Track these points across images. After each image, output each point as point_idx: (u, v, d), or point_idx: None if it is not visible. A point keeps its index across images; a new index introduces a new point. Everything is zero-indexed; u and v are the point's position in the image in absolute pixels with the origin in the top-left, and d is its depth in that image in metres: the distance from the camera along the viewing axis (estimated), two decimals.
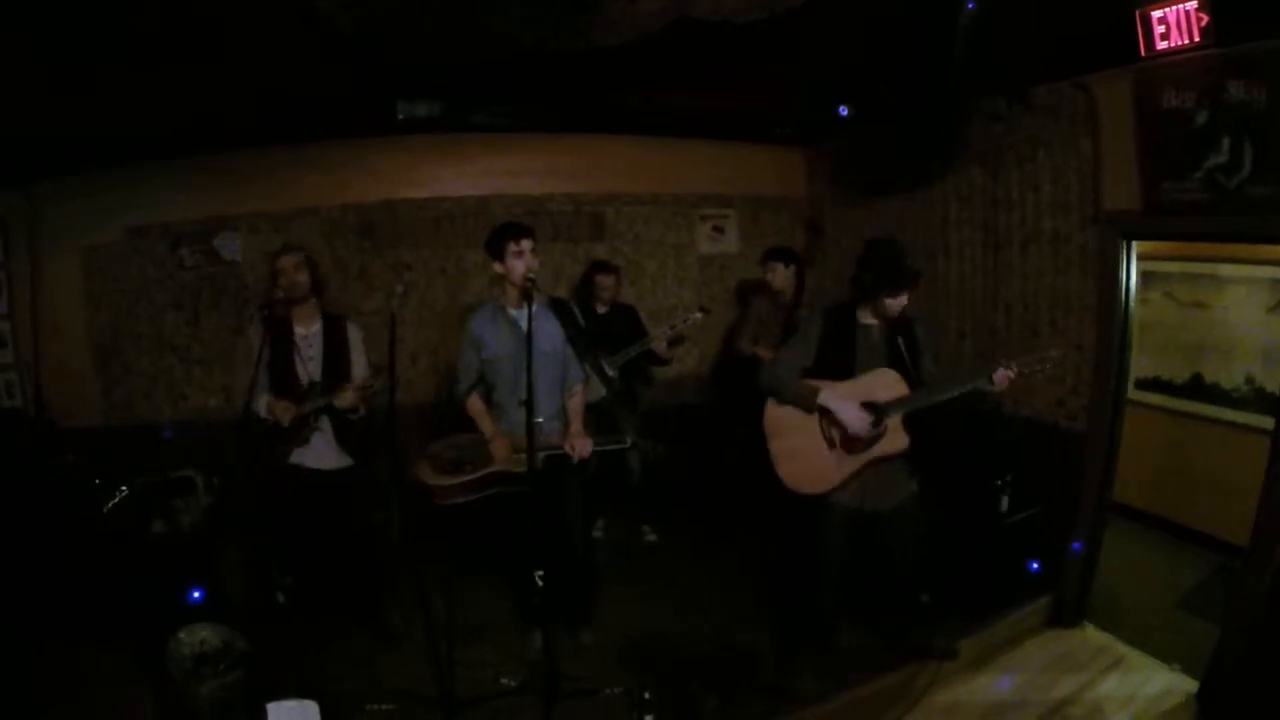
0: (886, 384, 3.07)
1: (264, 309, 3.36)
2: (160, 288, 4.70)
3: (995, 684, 3.44)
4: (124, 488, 4.00)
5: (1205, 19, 2.92)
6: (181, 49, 3.09)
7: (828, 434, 3.15)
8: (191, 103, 3.75)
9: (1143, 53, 3.16)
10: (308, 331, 3.46)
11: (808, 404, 3.12)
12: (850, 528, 3.20)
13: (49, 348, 4.53)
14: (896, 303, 3.07)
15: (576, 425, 3.36)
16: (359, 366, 3.50)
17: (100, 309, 4.63)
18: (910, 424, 3.09)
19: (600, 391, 4.07)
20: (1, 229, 4.39)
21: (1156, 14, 3.06)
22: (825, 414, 3.12)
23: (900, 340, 3.11)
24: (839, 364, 3.13)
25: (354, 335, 3.55)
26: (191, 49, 3.11)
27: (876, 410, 3.05)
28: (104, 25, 2.79)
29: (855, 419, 3.03)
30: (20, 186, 4.39)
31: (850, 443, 3.11)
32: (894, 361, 3.10)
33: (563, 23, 3.17)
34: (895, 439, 3.07)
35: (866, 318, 3.16)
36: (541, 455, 3.07)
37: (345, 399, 3.33)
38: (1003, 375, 2.94)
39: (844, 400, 3.06)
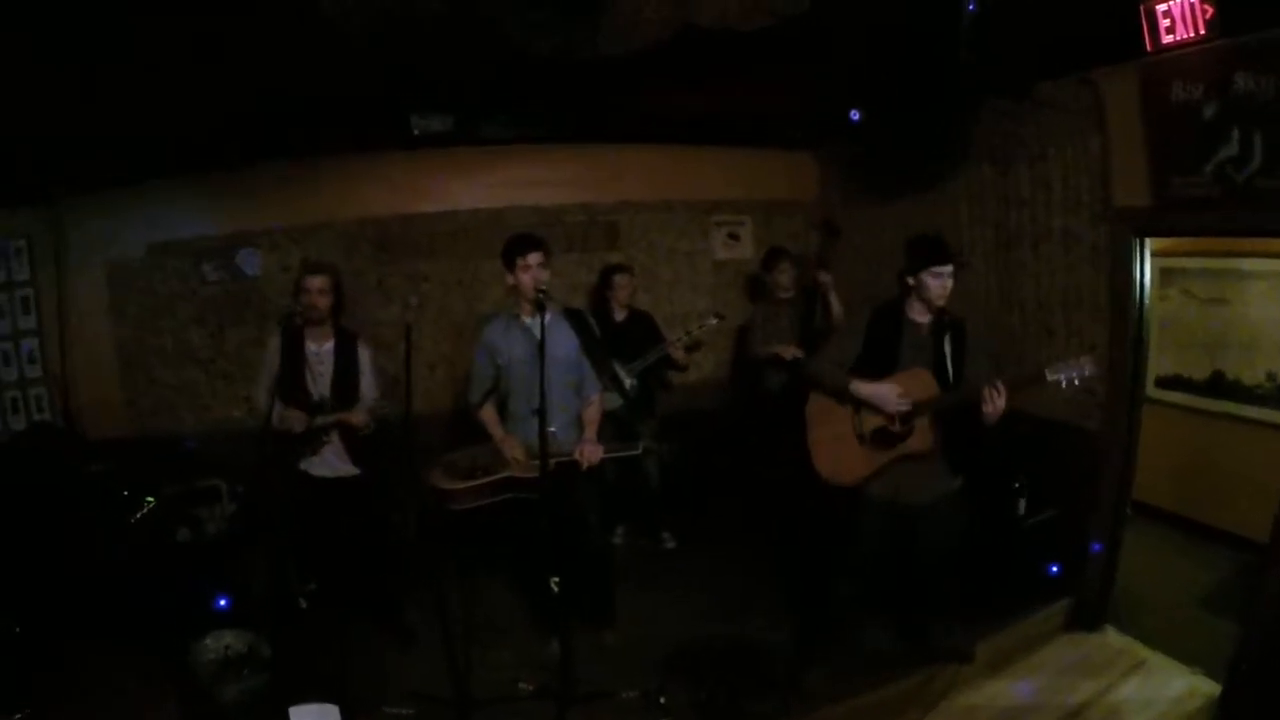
0: (918, 383, 3.06)
1: (282, 322, 3.44)
2: (183, 302, 4.81)
3: (1013, 687, 3.41)
4: (151, 498, 4.09)
5: (1210, 11, 2.90)
6: (195, 63, 3.18)
7: (859, 429, 3.18)
8: (205, 118, 3.85)
9: (1149, 47, 3.14)
10: (320, 348, 3.52)
11: (840, 391, 3.16)
12: (884, 520, 3.22)
13: (76, 361, 4.64)
14: (939, 283, 3.03)
15: (589, 433, 3.37)
16: (367, 385, 3.58)
17: (125, 323, 4.75)
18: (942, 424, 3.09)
19: (619, 400, 4.11)
20: (28, 246, 4.51)
21: (1161, 7, 3.05)
22: (857, 405, 3.16)
23: (947, 339, 3.10)
24: (884, 359, 3.13)
25: (364, 355, 3.62)
26: (205, 64, 3.20)
27: (904, 409, 3.06)
28: (118, 44, 2.89)
29: (888, 397, 3.05)
30: (46, 205, 4.51)
31: (879, 438, 3.13)
32: (938, 360, 3.08)
33: (569, 32, 3.23)
34: (922, 438, 3.07)
35: (915, 314, 3.15)
36: (553, 462, 3.08)
37: (357, 418, 3.43)
38: (992, 397, 2.84)
39: (876, 385, 3.09)
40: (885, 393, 3.06)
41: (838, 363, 3.22)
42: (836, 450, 3.24)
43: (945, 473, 3.20)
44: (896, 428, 3.08)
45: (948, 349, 3.08)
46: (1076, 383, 2.81)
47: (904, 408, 3.04)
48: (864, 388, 3.10)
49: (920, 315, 3.14)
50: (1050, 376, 2.83)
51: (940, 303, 3.08)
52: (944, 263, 3.03)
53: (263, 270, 4.88)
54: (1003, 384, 2.85)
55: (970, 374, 3.06)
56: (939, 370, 3.07)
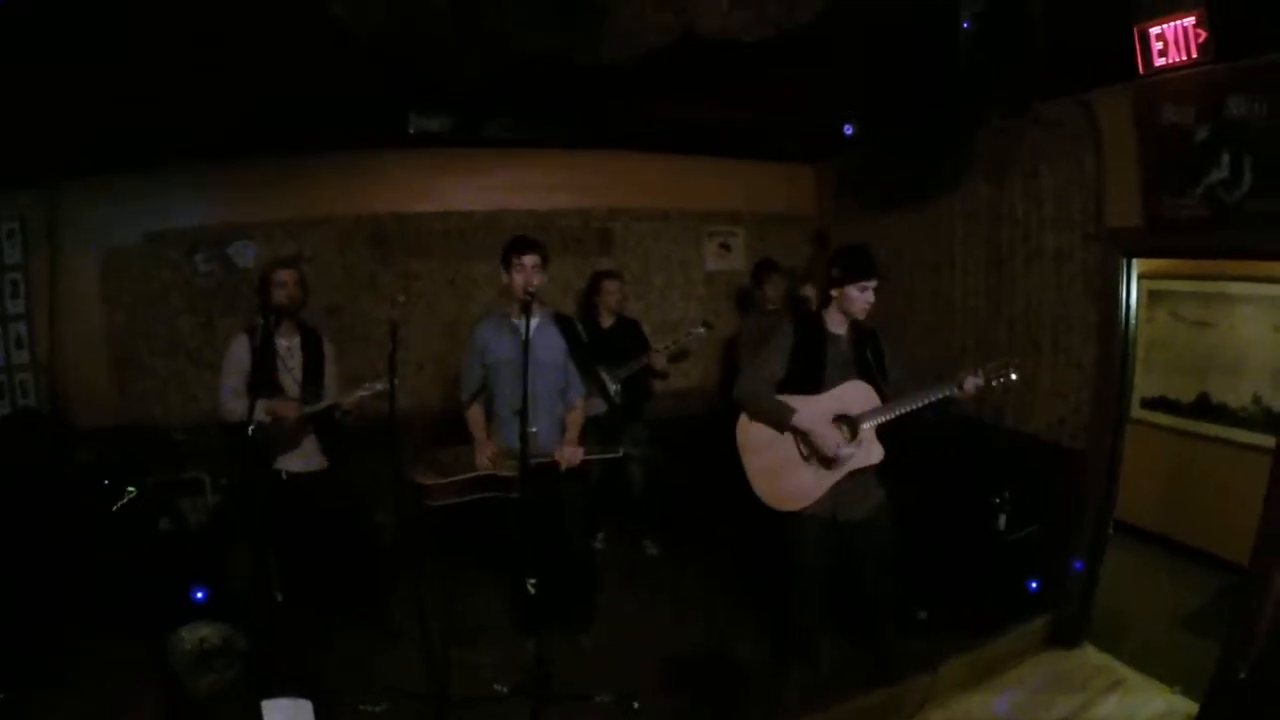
0: (859, 396, 3.03)
1: (267, 317, 3.45)
2: (175, 292, 4.80)
3: (991, 702, 3.40)
4: (133, 488, 4.08)
5: (1203, 35, 2.92)
6: (197, 56, 3.19)
7: (803, 450, 3.08)
8: (206, 111, 3.85)
9: (1141, 70, 3.16)
10: (290, 343, 3.56)
11: (781, 425, 3.07)
12: (824, 538, 3.13)
13: (65, 348, 4.63)
14: (864, 297, 3.01)
15: (570, 435, 3.39)
16: (330, 377, 3.63)
17: (116, 311, 4.74)
18: (890, 436, 3.06)
19: (603, 405, 4.10)
20: (21, 230, 4.51)
21: (1155, 30, 3.07)
22: (800, 435, 3.07)
23: (868, 350, 3.10)
24: (810, 375, 3.07)
25: (328, 348, 3.68)
26: (207, 56, 3.20)
27: (850, 423, 3.03)
28: (123, 33, 2.90)
29: (831, 440, 2.99)
30: (41, 188, 4.51)
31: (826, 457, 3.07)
32: (863, 371, 3.07)
33: (570, 38, 3.24)
34: (871, 451, 3.04)
35: (836, 327, 3.11)
36: (533, 462, 3.07)
37: (350, 401, 3.44)
38: (971, 384, 2.93)
39: (817, 421, 3.01)
40: (829, 441, 2.98)
41: (766, 381, 3.11)
42: (781, 474, 3.10)
43: (876, 484, 3.17)
44: (843, 450, 3.02)
45: (870, 359, 3.08)
46: (999, 383, 2.98)
47: (844, 453, 3.00)
48: (808, 424, 3.00)
49: (839, 327, 3.11)
50: (983, 378, 2.96)
51: (862, 316, 3.06)
52: (870, 277, 3.02)
53: (255, 263, 4.86)
54: (982, 371, 2.96)
55: (893, 379, 3.09)
56: (866, 380, 3.06)
